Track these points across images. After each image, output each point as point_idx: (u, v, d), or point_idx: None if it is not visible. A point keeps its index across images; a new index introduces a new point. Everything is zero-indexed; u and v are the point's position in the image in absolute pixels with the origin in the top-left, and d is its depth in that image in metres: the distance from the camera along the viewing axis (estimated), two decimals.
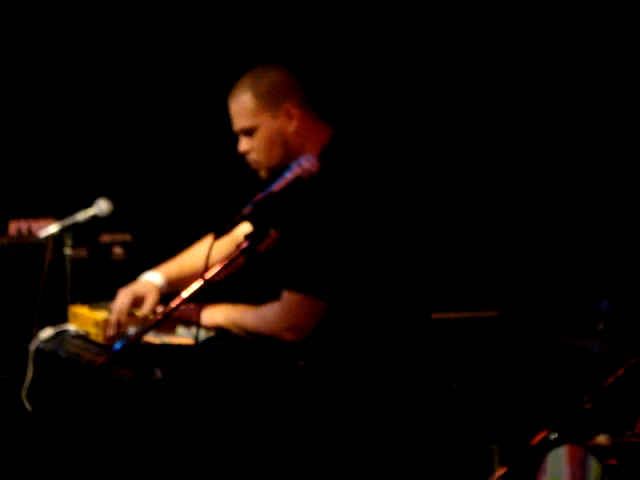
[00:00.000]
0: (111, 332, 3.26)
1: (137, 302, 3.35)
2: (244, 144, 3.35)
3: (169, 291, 3.45)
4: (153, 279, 3.43)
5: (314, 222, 3.18)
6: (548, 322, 5.03)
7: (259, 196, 3.01)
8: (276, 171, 3.30)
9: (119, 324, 3.28)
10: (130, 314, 3.37)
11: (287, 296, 3.19)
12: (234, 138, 3.46)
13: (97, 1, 5.48)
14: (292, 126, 3.30)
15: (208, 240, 3.52)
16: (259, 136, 3.30)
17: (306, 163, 3.08)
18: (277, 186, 3.04)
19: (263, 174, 3.37)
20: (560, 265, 5.41)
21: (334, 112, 3.43)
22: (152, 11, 5.53)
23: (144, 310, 3.34)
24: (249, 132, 3.32)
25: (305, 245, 3.19)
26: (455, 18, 5.49)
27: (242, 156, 3.40)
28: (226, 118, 3.47)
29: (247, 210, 2.97)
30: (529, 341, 4.96)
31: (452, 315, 4.92)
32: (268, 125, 3.29)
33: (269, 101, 3.29)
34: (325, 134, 3.35)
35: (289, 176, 3.06)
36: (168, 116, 5.62)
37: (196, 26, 5.56)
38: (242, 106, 3.31)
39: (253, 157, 3.35)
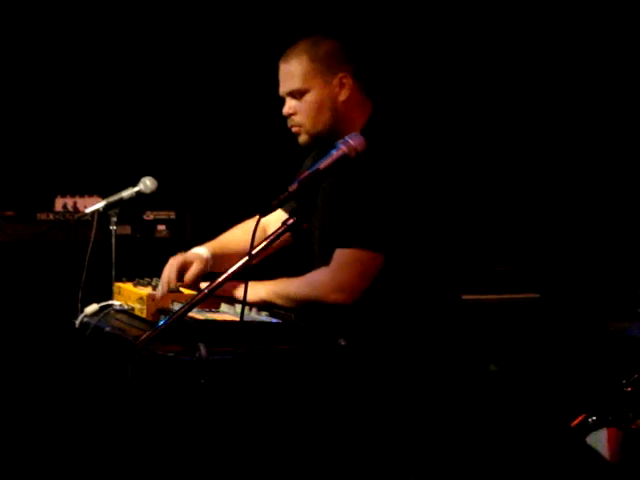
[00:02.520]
0: (159, 294, 3.28)
1: (184, 267, 3.39)
2: (290, 106, 3.32)
3: (212, 269, 3.48)
4: (201, 251, 3.47)
5: (360, 186, 3.16)
6: (589, 305, 5.02)
7: (305, 173, 2.99)
8: (316, 138, 3.32)
9: (167, 286, 3.31)
10: (175, 290, 3.40)
11: (335, 255, 3.16)
12: (275, 119, 3.45)
13: None
14: (343, 95, 3.29)
15: (249, 221, 3.57)
16: (308, 99, 3.28)
17: (352, 141, 3.05)
18: (323, 164, 3.01)
19: (303, 139, 3.35)
20: (602, 248, 5.40)
21: (376, 88, 3.43)
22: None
23: (188, 275, 3.37)
24: (298, 94, 3.29)
25: (352, 205, 3.16)
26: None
27: (283, 122, 3.38)
28: (267, 98, 3.47)
29: (293, 187, 2.96)
30: (570, 323, 4.95)
31: (493, 297, 4.92)
32: (319, 89, 3.27)
33: (325, 66, 3.27)
34: (368, 108, 3.34)
35: (335, 154, 3.02)
36: (211, 96, 5.65)
37: (239, 9, 5.60)
38: (295, 68, 3.28)
39: (297, 120, 3.31)
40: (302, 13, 5.55)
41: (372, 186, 3.17)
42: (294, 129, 3.34)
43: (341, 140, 3.08)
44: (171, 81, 5.64)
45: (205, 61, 5.65)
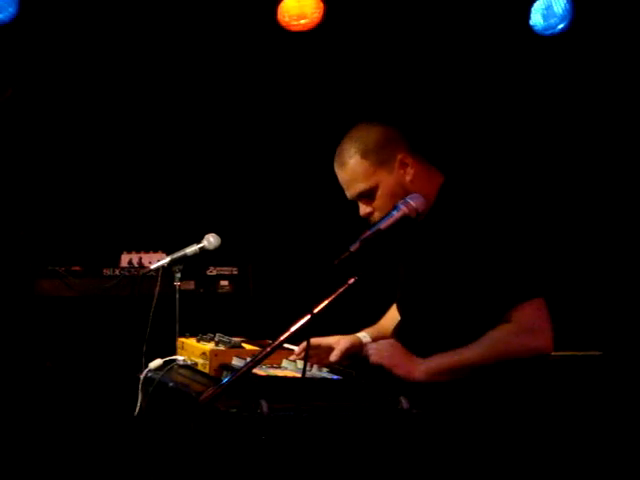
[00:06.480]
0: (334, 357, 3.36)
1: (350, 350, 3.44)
2: (365, 208, 3.30)
3: None
4: (361, 335, 3.52)
5: (488, 242, 3.14)
6: None
7: (367, 233, 3.02)
8: None
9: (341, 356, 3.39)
10: (236, 346, 3.44)
11: (514, 314, 3.11)
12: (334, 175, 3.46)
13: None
14: (409, 175, 3.26)
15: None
16: (380, 195, 3.26)
17: (412, 202, 3.10)
18: (385, 224, 3.05)
19: None
20: None
21: (439, 156, 3.41)
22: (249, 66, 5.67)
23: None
24: (368, 195, 3.27)
25: (494, 262, 3.13)
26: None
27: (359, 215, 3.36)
28: (327, 154, 3.48)
29: (355, 247, 2.98)
30: (632, 381, 4.90)
31: (554, 353, 4.88)
32: (386, 181, 3.25)
33: (381, 156, 3.24)
34: (438, 177, 3.32)
35: (396, 214, 3.08)
36: (271, 154, 5.72)
37: (299, 82, 5.67)
38: (353, 171, 3.26)
39: (377, 217, 3.26)
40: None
41: (501, 239, 3.15)
42: None
43: (401, 201, 3.12)
44: (233, 141, 5.72)
45: (266, 118, 5.72)
